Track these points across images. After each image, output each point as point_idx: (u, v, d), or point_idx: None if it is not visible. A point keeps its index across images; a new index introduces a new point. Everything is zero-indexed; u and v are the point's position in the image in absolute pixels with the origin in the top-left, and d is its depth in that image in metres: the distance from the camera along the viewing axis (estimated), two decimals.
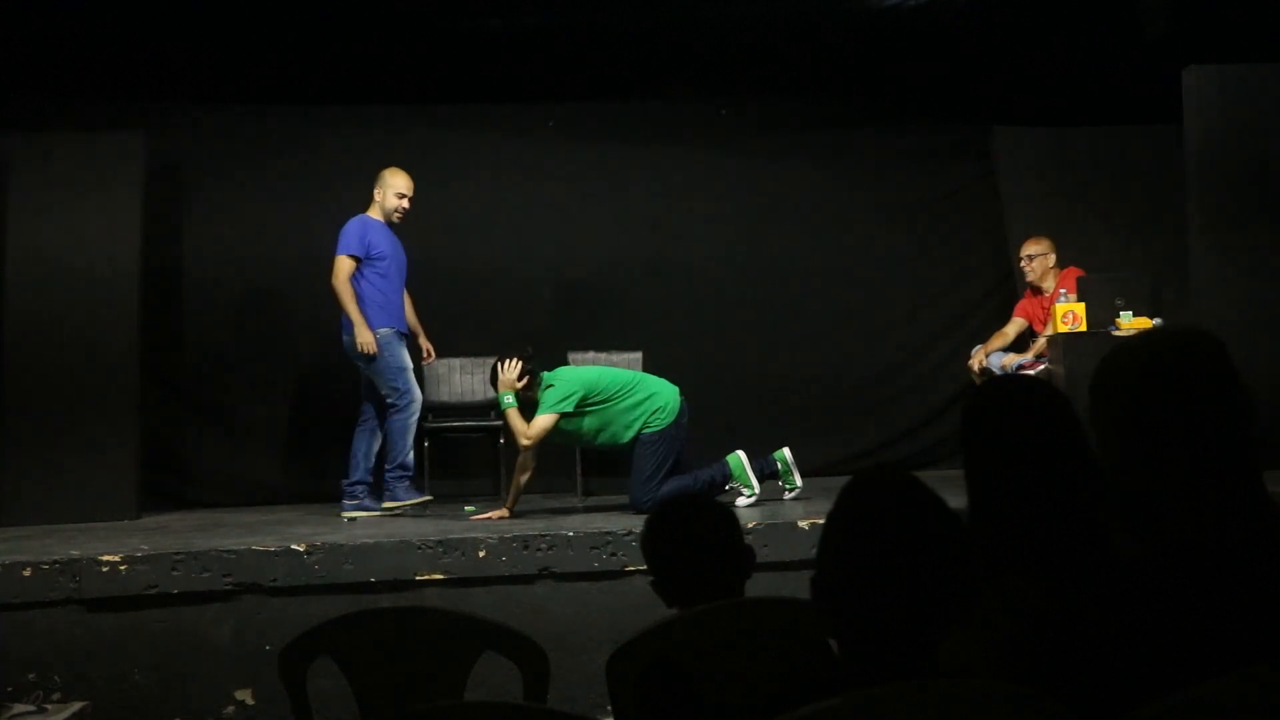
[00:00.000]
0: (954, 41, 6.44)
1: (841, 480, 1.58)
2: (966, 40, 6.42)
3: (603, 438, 5.26)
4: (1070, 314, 5.47)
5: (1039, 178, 6.84)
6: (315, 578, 4.09)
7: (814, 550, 1.54)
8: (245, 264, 6.41)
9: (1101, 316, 5.41)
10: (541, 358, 5.35)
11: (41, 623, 3.96)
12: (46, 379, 5.58)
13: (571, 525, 4.55)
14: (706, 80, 6.64)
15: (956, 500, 1.56)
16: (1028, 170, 6.88)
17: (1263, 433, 1.49)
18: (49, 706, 3.71)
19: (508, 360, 5.16)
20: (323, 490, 5.97)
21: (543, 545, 4.24)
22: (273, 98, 6.50)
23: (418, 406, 5.47)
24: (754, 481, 5.24)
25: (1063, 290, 5.82)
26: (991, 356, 6.06)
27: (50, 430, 5.54)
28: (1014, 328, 6.23)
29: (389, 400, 5.42)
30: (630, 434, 5.20)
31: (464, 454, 6.34)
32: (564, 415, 5.09)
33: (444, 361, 6.07)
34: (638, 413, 5.20)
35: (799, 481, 5.33)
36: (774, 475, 5.32)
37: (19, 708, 3.61)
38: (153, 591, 4.01)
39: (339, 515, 5.39)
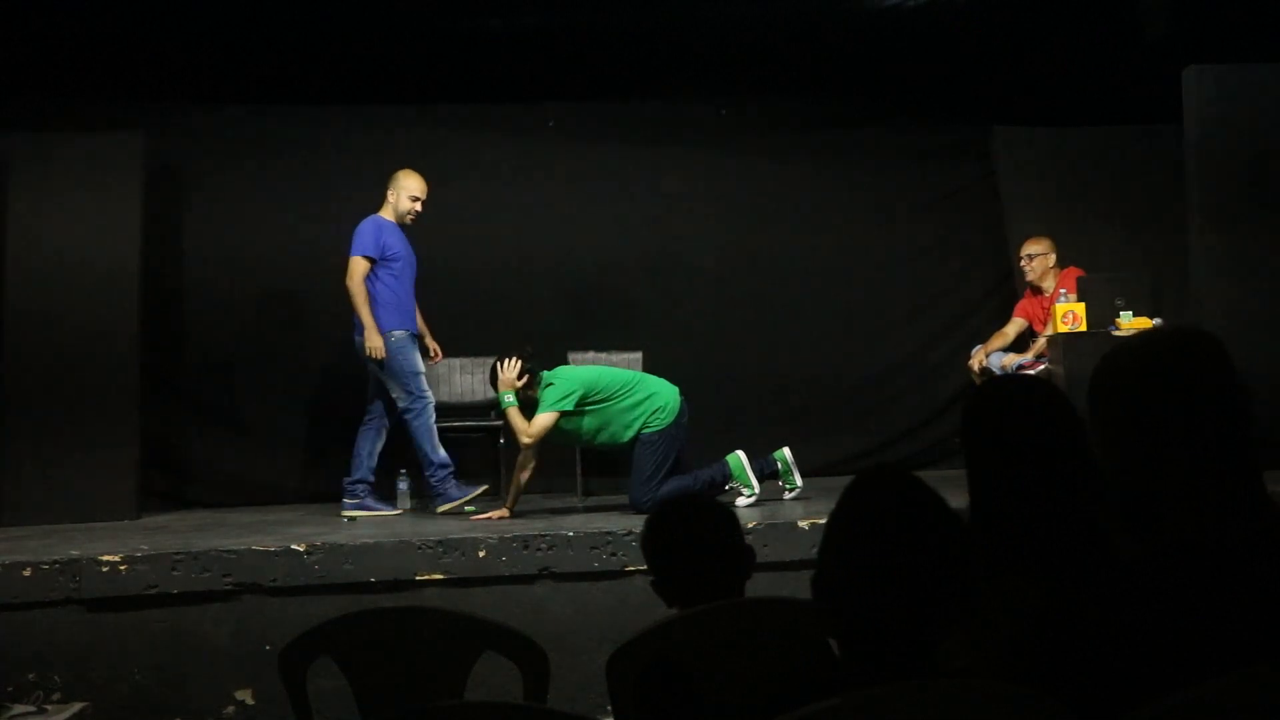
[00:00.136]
0: (954, 41, 6.43)
1: (841, 480, 1.59)
2: (966, 40, 6.42)
3: (602, 437, 5.26)
4: (1070, 314, 5.47)
5: (1039, 178, 6.83)
6: (315, 578, 4.09)
7: (814, 550, 1.55)
8: (245, 264, 6.40)
9: (1101, 316, 5.41)
10: (541, 358, 5.35)
11: (41, 623, 3.96)
12: (46, 379, 5.58)
13: (571, 525, 4.55)
14: (706, 80, 6.63)
15: (957, 500, 1.56)
16: (1028, 170, 6.88)
17: (1263, 433, 1.50)
18: (49, 707, 3.70)
19: (507, 359, 5.15)
20: (323, 490, 5.98)
21: (543, 545, 4.24)
22: (273, 98, 6.49)
23: (433, 408, 5.46)
24: (754, 481, 5.24)
25: (1063, 290, 5.82)
26: (991, 356, 6.07)
27: (50, 430, 5.54)
28: (1014, 328, 6.23)
29: (401, 404, 5.40)
30: (630, 434, 5.20)
31: (464, 454, 6.33)
32: (564, 414, 5.08)
33: (444, 361, 6.05)
34: (638, 412, 5.20)
35: (799, 481, 5.32)
36: (774, 475, 5.32)
37: (19, 708, 3.60)
38: (153, 591, 4.02)
39: (339, 515, 5.39)
